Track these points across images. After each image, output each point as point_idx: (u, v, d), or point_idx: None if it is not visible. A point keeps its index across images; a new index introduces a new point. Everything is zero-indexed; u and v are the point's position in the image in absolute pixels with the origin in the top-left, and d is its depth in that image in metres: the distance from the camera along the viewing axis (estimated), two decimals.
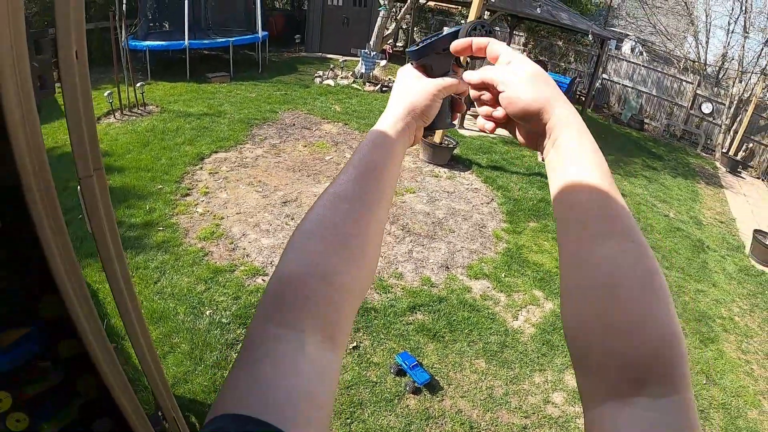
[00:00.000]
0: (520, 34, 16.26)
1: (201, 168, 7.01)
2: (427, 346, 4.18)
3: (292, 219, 5.87)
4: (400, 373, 3.87)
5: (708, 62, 14.71)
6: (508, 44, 14.05)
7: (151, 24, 13.06)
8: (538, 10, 9.74)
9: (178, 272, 4.72)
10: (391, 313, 4.47)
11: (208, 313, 4.23)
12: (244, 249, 5.19)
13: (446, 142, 8.12)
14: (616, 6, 20.34)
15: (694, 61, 14.74)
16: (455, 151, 8.35)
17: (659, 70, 13.91)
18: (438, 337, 4.30)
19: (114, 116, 8.99)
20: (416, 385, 3.74)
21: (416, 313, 4.55)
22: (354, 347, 4.04)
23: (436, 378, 3.88)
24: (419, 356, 4.06)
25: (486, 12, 9.23)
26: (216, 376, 3.60)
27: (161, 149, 7.47)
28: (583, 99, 12.26)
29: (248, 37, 12.97)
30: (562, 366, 4.25)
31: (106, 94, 8.95)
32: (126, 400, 1.54)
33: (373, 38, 12.94)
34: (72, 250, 1.31)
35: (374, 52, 12.56)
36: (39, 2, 11.73)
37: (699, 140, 13.24)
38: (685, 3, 14.81)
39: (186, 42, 11.39)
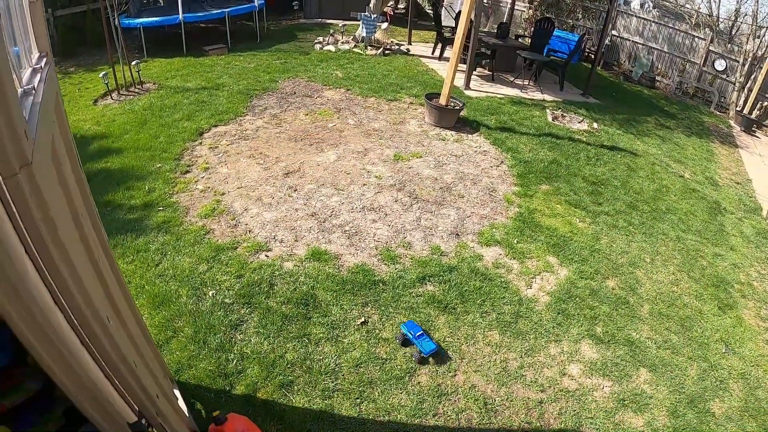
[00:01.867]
0: None
1: (200, 143, 6.81)
2: (438, 319, 4.01)
3: (294, 190, 5.67)
4: (406, 342, 3.76)
5: (721, 17, 14.08)
6: (513, 1, 13.62)
7: (145, 1, 12.74)
8: None
9: (180, 253, 4.57)
10: (400, 285, 4.30)
11: (210, 293, 4.08)
12: (246, 224, 5.01)
13: (452, 104, 7.83)
14: None
15: (707, 16, 14.12)
16: (462, 113, 8.07)
17: (670, 26, 13.32)
18: (449, 308, 4.13)
19: (111, 97, 8.79)
20: (422, 355, 3.63)
21: (426, 284, 4.37)
22: (362, 323, 3.88)
23: (447, 352, 3.73)
24: (430, 329, 3.90)
25: None
26: (221, 359, 3.47)
27: (159, 127, 7.28)
28: (593, 56, 11.83)
29: (244, 6, 12.62)
30: (578, 336, 4.08)
31: (101, 75, 8.74)
32: (94, 410, 1.38)
33: (373, 1, 12.53)
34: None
35: (375, 15, 12.16)
36: None
37: (712, 98, 12.76)
38: None
39: (180, 16, 11.09)
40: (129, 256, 4.52)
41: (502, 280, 4.57)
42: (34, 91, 1.56)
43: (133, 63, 9.13)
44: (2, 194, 1.22)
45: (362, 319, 3.90)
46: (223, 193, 5.57)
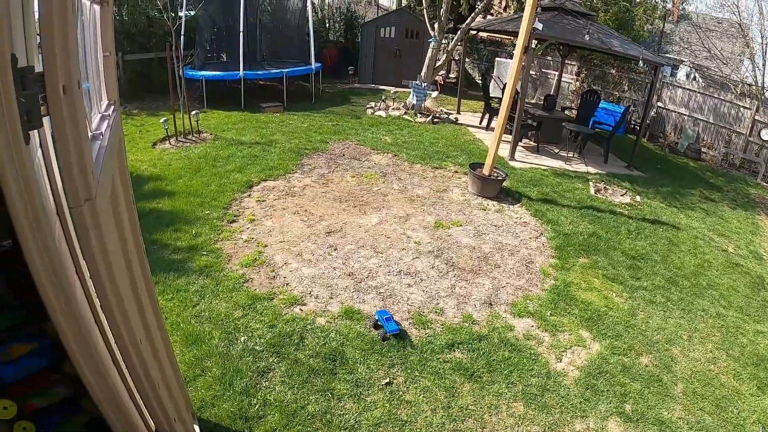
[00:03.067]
0: (573, 63, 16.01)
1: (249, 195, 7.11)
2: (463, 386, 4.00)
3: (334, 249, 5.83)
4: (377, 326, 4.50)
5: (766, 86, 13.96)
6: (560, 74, 13.89)
7: (209, 55, 13.56)
8: (587, 37, 9.52)
9: (217, 297, 4.74)
10: (428, 350, 4.32)
11: (242, 339, 4.20)
12: (285, 278, 5.17)
13: (495, 174, 7.96)
14: (669, 32, 19.80)
15: (751, 85, 14.01)
16: (505, 184, 8.18)
17: (715, 96, 13.26)
18: (475, 377, 4.11)
19: (169, 142, 9.29)
20: (386, 333, 4.37)
21: (455, 350, 4.38)
22: (387, 383, 3.90)
23: (466, 413, 3.71)
24: (454, 396, 3.88)
25: (534, 41, 9.10)
26: (244, 403, 3.54)
27: (212, 175, 7.64)
28: (638, 128, 11.86)
29: (302, 68, 13.27)
30: (606, 413, 3.98)
31: (162, 120, 9.28)
32: (117, 418, 1.50)
33: (424, 69, 13.01)
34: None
35: (425, 84, 12.60)
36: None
37: (759, 169, 12.50)
38: (740, 25, 14.19)
39: (241, 72, 11.73)
40: (169, 294, 4.72)
41: (532, 351, 4.54)
42: (101, 136, 1.76)
43: (193, 112, 9.67)
44: (65, 225, 1.40)
45: (387, 380, 3.93)
46: (266, 245, 5.77)
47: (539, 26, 8.12)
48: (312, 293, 4.95)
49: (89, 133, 1.68)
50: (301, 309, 4.68)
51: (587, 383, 4.28)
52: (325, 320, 4.56)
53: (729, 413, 4.28)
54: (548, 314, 5.13)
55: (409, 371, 4.06)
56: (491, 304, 5.15)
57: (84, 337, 1.36)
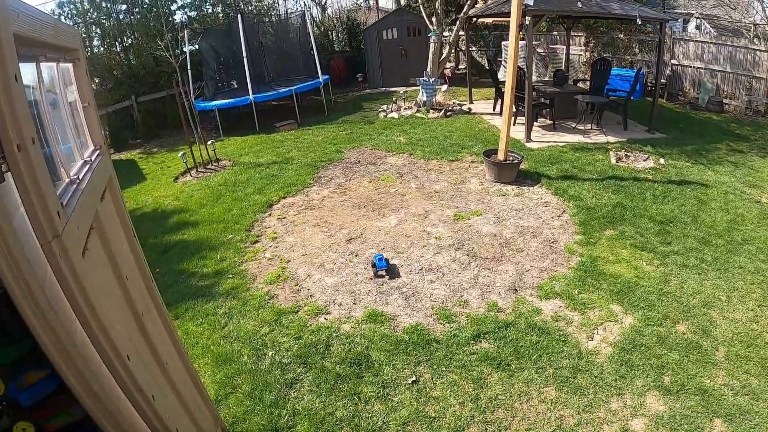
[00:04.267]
0: (579, 34, 15.71)
1: (269, 215, 7.23)
2: (491, 377, 3.96)
3: (356, 255, 5.87)
4: (373, 265, 5.44)
5: None
6: (567, 47, 13.65)
7: (219, 84, 13.86)
8: (579, 4, 9.34)
9: (245, 316, 4.86)
10: (454, 344, 4.30)
11: (270, 354, 4.29)
12: (308, 289, 5.24)
13: (511, 158, 7.88)
14: None
15: (763, 26, 13.41)
16: (522, 166, 8.09)
17: (729, 43, 12.73)
18: (503, 365, 4.07)
19: (190, 174, 9.53)
20: (376, 269, 5.37)
21: (481, 341, 4.35)
22: (413, 381, 3.91)
23: (495, 403, 3.68)
24: (481, 389, 3.85)
25: (530, 18, 8.98)
26: (274, 415, 3.62)
27: (232, 200, 7.80)
28: (653, 89, 11.52)
29: (309, 83, 13.44)
30: (644, 388, 3.87)
31: (180, 155, 9.52)
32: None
33: (429, 65, 12.98)
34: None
35: (433, 79, 12.57)
36: None
37: None
38: None
39: (251, 96, 11.93)
40: (198, 319, 4.87)
41: (561, 333, 4.46)
42: (78, 180, 1.86)
43: (209, 142, 9.90)
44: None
45: (413, 378, 3.93)
46: (289, 261, 5.86)
47: (530, 1, 8.04)
48: (336, 301, 5.00)
49: (67, 179, 1.79)
50: (325, 318, 4.74)
51: (621, 359, 4.16)
52: (349, 326, 4.60)
53: None
54: (576, 292, 5.05)
55: (435, 367, 4.06)
56: (516, 290, 5.10)
57: (83, 374, 1.44)
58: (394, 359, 4.14)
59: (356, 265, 5.66)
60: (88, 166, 2.09)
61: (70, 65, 2.26)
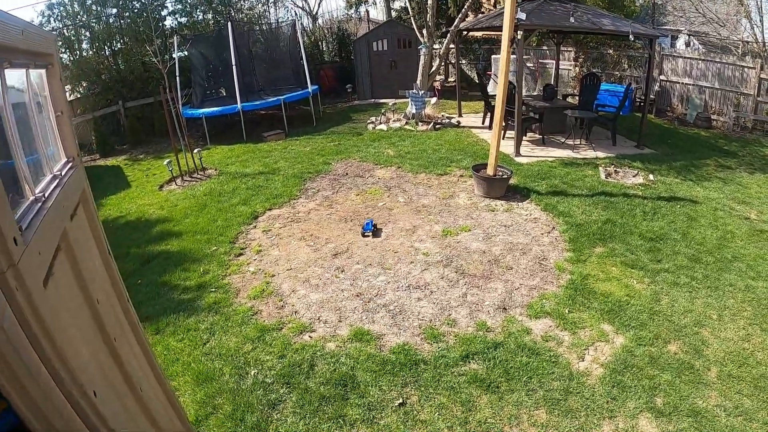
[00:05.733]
0: (569, 49, 15.80)
1: (255, 227, 7.09)
2: (480, 399, 3.85)
3: (342, 271, 5.75)
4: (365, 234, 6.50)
5: (767, 42, 13.54)
6: (557, 61, 13.69)
7: (207, 92, 13.74)
8: (572, 20, 9.35)
9: (227, 333, 4.72)
10: (442, 364, 4.18)
11: (252, 373, 4.15)
12: (293, 306, 5.10)
13: (500, 173, 7.81)
14: (661, 2, 19.42)
15: (751, 43, 13.56)
16: (511, 181, 8.02)
17: (717, 60, 12.88)
18: (492, 387, 3.96)
19: (175, 183, 9.37)
20: (363, 230, 6.44)
21: (469, 362, 4.24)
22: (400, 404, 3.78)
23: (484, 427, 3.56)
24: (470, 412, 3.73)
25: (522, 32, 8.96)
26: None
27: (217, 211, 7.65)
28: (642, 104, 11.57)
29: (298, 93, 13.34)
30: (636, 410, 3.78)
31: (165, 162, 9.36)
32: None
33: (419, 77, 12.94)
34: None
35: (422, 91, 12.52)
36: None
37: None
38: None
39: (239, 105, 11.81)
40: (179, 335, 4.72)
41: (552, 353, 4.37)
42: (44, 198, 1.72)
43: (195, 151, 9.76)
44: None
45: (400, 400, 3.81)
46: (273, 275, 5.72)
47: (522, 16, 8.01)
48: (320, 318, 4.87)
49: (32, 196, 1.66)
50: (310, 336, 4.60)
51: (613, 380, 4.08)
52: (334, 345, 4.47)
53: None
54: (566, 312, 4.96)
55: (423, 389, 3.94)
56: (505, 309, 5.00)
57: (43, 412, 1.31)
58: (381, 380, 4.01)
59: (342, 281, 5.54)
60: (57, 181, 1.95)
61: (42, 71, 2.13)
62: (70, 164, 2.19)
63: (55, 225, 1.72)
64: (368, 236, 6.58)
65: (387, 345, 4.45)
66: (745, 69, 12.28)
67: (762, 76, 11.92)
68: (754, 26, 13.17)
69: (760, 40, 13.21)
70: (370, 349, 4.37)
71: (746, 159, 10.19)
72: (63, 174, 2.03)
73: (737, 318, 4.96)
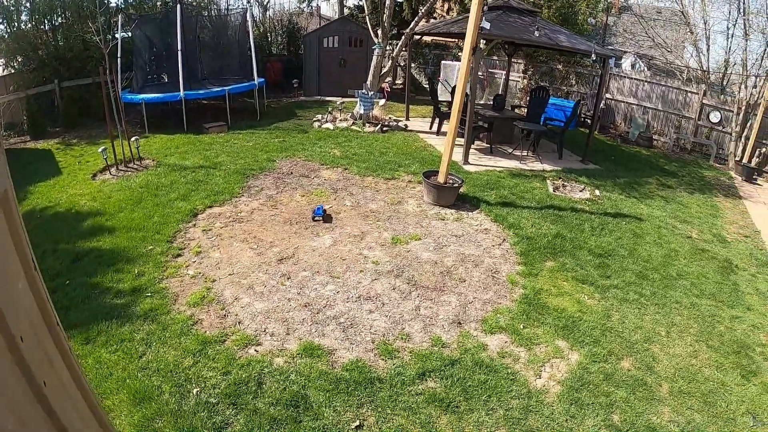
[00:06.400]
0: (519, 61, 16.04)
1: (194, 225, 6.67)
2: (440, 420, 3.68)
3: (288, 278, 5.44)
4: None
5: (711, 70, 14.24)
6: (507, 73, 13.84)
7: (149, 77, 13.02)
8: (537, 34, 9.42)
9: (165, 344, 4.31)
10: (399, 383, 3.99)
11: (195, 391, 3.79)
12: (236, 315, 4.76)
13: (451, 181, 7.72)
14: (612, 24, 20.15)
15: (696, 70, 14.29)
16: (461, 190, 7.94)
17: (663, 83, 13.50)
18: (452, 407, 3.80)
19: (110, 172, 8.78)
20: (314, 216, 6.78)
21: (426, 380, 4.07)
22: (357, 426, 3.56)
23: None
24: None
25: (482, 41, 8.93)
26: None
27: (154, 206, 7.17)
28: (589, 122, 11.90)
29: (244, 84, 12.85)
30: (595, 427, 3.74)
31: (100, 150, 8.75)
32: None
33: (370, 77, 12.73)
34: None
35: (372, 92, 12.31)
36: None
37: (711, 151, 12.79)
38: (682, 12, 14.43)
39: (181, 93, 11.24)
40: (112, 345, 4.28)
41: (509, 371, 4.27)
42: None
43: (133, 139, 9.17)
44: None
45: (357, 423, 3.58)
46: (214, 280, 5.35)
47: (486, 25, 7.93)
48: (267, 330, 4.55)
49: None
50: (256, 350, 4.29)
51: (571, 398, 4.04)
52: (283, 360, 4.18)
53: (717, 408, 4.15)
54: (521, 327, 4.89)
55: (380, 409, 3.72)
56: (460, 323, 4.87)
57: None
58: (335, 400, 3.76)
59: (288, 290, 5.24)
60: None
61: None
62: None
63: None
64: (318, 221, 6.83)
65: (339, 361, 4.21)
66: (689, 93, 12.86)
67: (704, 101, 12.50)
68: (701, 54, 13.77)
69: (705, 68, 13.82)
70: (321, 366, 4.11)
71: (686, 179, 10.61)
72: None
73: (684, 335, 5.09)
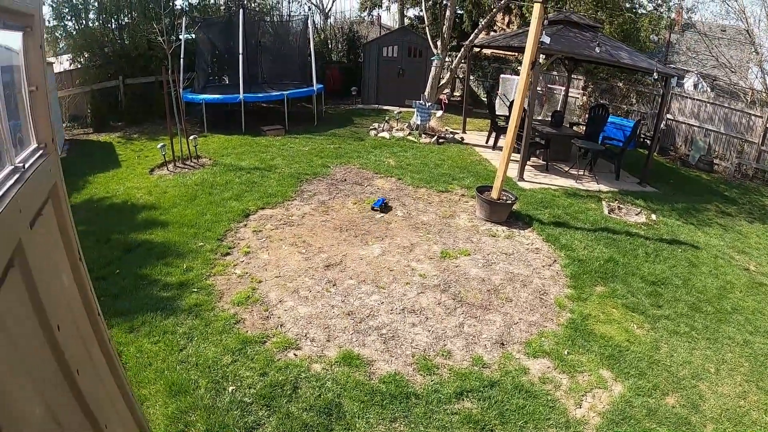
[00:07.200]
0: (579, 77, 15.67)
1: (245, 225, 6.78)
2: None
3: (333, 285, 5.45)
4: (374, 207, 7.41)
5: None
6: (567, 89, 13.54)
7: (210, 78, 13.42)
8: (597, 50, 9.16)
9: (206, 340, 4.39)
10: (435, 400, 3.90)
11: (230, 389, 3.83)
12: (279, 317, 4.80)
13: (504, 198, 7.58)
14: (674, 41, 19.44)
15: (761, 92, 13.55)
16: (514, 207, 7.78)
17: (726, 105, 12.84)
18: (487, 430, 3.69)
19: (167, 168, 9.05)
20: (373, 206, 7.31)
21: (463, 400, 3.97)
22: None
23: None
24: None
25: (542, 56, 8.77)
26: None
27: (208, 204, 7.34)
28: (648, 143, 11.45)
29: (303, 90, 13.06)
30: None
31: (159, 146, 9.03)
32: None
33: (428, 89, 12.70)
34: None
35: (429, 103, 12.28)
36: None
37: None
38: (747, 31, 13.78)
39: (241, 95, 11.50)
40: (155, 336, 4.39)
41: (549, 398, 4.12)
42: None
43: (191, 137, 9.43)
44: None
45: None
46: (260, 281, 5.41)
47: (546, 40, 7.79)
48: (308, 335, 4.56)
49: None
50: (295, 354, 4.30)
51: (611, 431, 3.86)
52: (321, 367, 4.17)
53: None
54: (565, 353, 4.72)
55: (413, 425, 3.65)
56: (503, 344, 4.74)
57: None
58: (369, 412, 3.72)
59: (333, 296, 5.24)
60: (18, 175, 1.51)
61: (18, 34, 1.70)
62: (41, 152, 1.78)
63: (3, 237, 1.33)
64: (377, 211, 7.41)
65: (377, 373, 4.17)
66: (753, 117, 12.22)
67: None
68: (766, 75, 13.11)
69: None
70: (358, 376, 4.08)
71: (746, 207, 10.08)
72: (27, 166, 1.61)
73: (734, 373, 4.78)
